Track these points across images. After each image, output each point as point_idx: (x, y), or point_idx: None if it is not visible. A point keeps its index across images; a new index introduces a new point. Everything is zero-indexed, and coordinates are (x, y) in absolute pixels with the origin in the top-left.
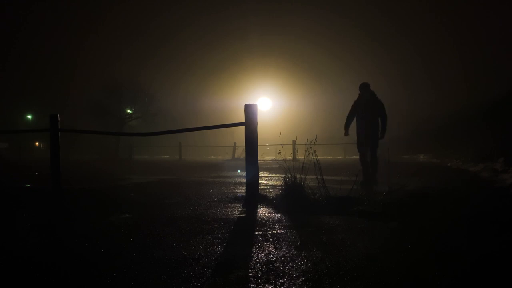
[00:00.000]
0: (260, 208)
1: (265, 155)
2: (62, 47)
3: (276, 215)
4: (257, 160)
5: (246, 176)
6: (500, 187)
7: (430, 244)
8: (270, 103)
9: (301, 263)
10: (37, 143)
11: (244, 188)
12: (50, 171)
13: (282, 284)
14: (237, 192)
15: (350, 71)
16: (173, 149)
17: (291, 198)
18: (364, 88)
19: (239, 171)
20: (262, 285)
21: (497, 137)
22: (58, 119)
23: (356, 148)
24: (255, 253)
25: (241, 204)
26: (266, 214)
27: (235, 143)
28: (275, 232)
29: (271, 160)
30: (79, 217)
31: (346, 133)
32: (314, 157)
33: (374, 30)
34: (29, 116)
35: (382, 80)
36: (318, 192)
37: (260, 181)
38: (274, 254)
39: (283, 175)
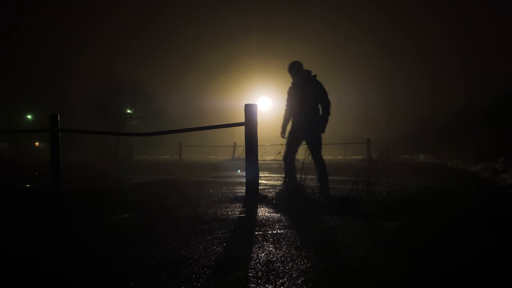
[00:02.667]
0: (260, 208)
1: (265, 155)
2: (62, 47)
3: (276, 215)
4: (257, 160)
5: (246, 176)
6: (500, 187)
7: (431, 244)
8: (270, 103)
9: (301, 263)
10: (37, 143)
11: (244, 188)
12: (50, 171)
13: (282, 284)
14: (237, 192)
15: (350, 70)
16: (173, 149)
17: (291, 198)
18: (295, 69)
19: (239, 171)
20: (262, 285)
21: (497, 137)
22: (58, 119)
23: (352, 148)
24: (255, 253)
25: (241, 204)
26: (266, 214)
27: (235, 143)
28: (275, 232)
29: (271, 160)
30: (78, 217)
31: (282, 134)
32: None
33: (374, 30)
34: (29, 116)
35: (382, 80)
36: (318, 192)
37: (260, 181)
38: (274, 254)
39: (283, 175)
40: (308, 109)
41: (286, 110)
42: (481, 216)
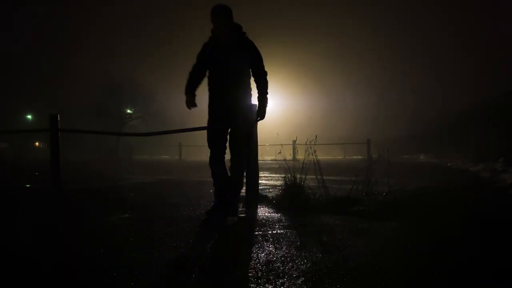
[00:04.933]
0: (260, 208)
1: (265, 155)
2: (62, 47)
3: (276, 215)
4: (257, 160)
5: (246, 176)
6: (500, 187)
7: (430, 244)
8: (270, 103)
9: (301, 263)
10: (37, 143)
11: (244, 188)
12: (50, 171)
13: (282, 284)
14: None
15: (350, 70)
16: (173, 149)
17: (291, 198)
18: (224, 18)
19: None
20: (262, 285)
21: (497, 137)
22: (58, 119)
23: (348, 148)
24: (255, 253)
25: (241, 204)
26: (266, 214)
27: None
28: (275, 232)
29: (271, 160)
30: (78, 217)
31: (189, 103)
32: (314, 157)
33: (374, 31)
34: (29, 116)
35: (382, 80)
36: (318, 192)
37: (260, 181)
38: (274, 254)
39: (283, 175)
40: (240, 82)
41: (192, 73)
42: (481, 216)
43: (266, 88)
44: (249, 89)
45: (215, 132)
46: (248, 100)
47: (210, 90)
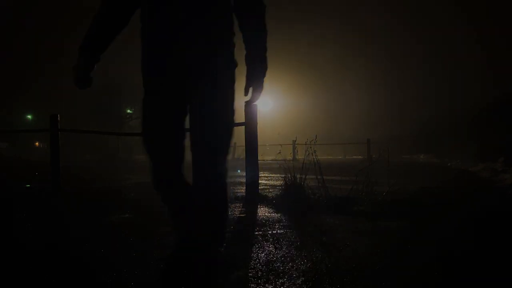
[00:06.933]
0: (260, 208)
1: (265, 155)
2: (62, 46)
3: (276, 215)
4: (257, 160)
5: (246, 176)
6: (500, 187)
7: (431, 244)
8: (271, 103)
9: (301, 263)
10: (37, 143)
11: (244, 188)
12: (50, 171)
13: (282, 284)
14: (237, 192)
15: (351, 70)
16: None
17: (291, 198)
18: None
19: (239, 171)
20: (262, 285)
21: (497, 137)
22: (58, 119)
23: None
24: (255, 253)
25: (241, 204)
26: (266, 214)
27: (235, 143)
28: (275, 232)
29: (271, 160)
30: (78, 217)
31: (81, 75)
32: (314, 157)
33: (374, 31)
34: (29, 116)
35: (382, 80)
36: (318, 192)
37: (260, 181)
38: (274, 254)
39: (283, 175)
40: (209, 24)
41: (93, 29)
42: (481, 216)
43: (264, 40)
44: (229, 40)
45: (165, 115)
46: (228, 57)
47: (147, 39)
